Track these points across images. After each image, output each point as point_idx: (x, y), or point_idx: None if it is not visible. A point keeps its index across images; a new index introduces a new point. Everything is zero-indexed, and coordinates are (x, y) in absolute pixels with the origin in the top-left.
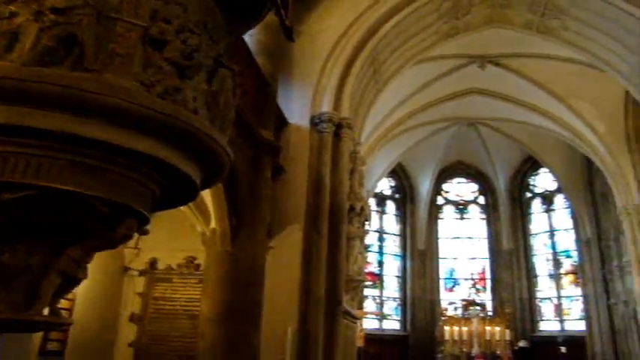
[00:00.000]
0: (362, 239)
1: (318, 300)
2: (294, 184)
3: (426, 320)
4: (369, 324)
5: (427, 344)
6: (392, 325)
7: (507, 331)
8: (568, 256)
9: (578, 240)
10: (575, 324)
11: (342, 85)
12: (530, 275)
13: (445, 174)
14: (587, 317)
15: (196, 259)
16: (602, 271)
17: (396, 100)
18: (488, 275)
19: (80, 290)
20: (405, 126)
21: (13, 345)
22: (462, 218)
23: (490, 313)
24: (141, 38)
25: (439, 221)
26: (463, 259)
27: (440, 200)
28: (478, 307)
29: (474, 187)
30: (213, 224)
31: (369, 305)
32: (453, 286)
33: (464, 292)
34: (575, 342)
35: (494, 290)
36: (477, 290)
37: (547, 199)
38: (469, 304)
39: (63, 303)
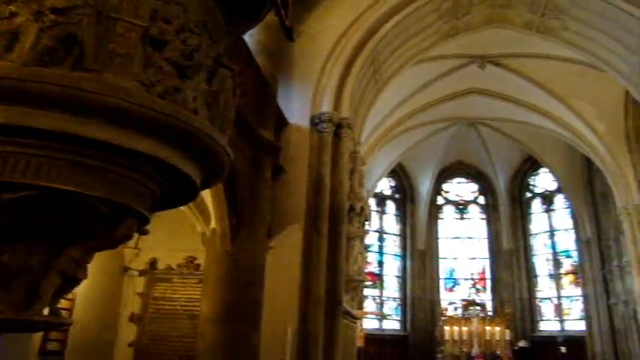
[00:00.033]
0: (362, 239)
1: (318, 300)
2: (294, 184)
3: (426, 320)
4: (369, 324)
5: (427, 344)
6: (392, 325)
7: (507, 331)
8: (568, 256)
9: (578, 240)
10: (575, 324)
11: (342, 85)
12: (530, 275)
13: (445, 174)
14: (587, 317)
15: (196, 259)
16: (602, 271)
17: (396, 100)
18: (488, 275)
19: (80, 290)
20: (405, 126)
21: (13, 345)
22: (462, 218)
23: (490, 313)
24: (141, 38)
25: (439, 221)
26: (463, 259)
27: (440, 200)
28: (478, 307)
29: (474, 187)
30: (213, 224)
31: (369, 305)
32: (453, 286)
33: (464, 292)
34: (575, 342)
35: (494, 290)
36: (477, 290)
37: (547, 199)
38: (469, 304)
39: (63, 303)
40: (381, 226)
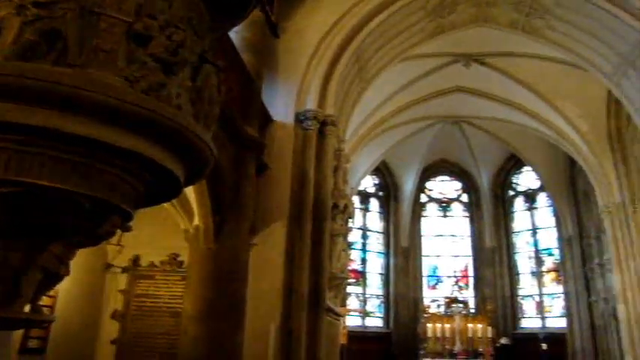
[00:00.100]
0: (345, 236)
1: (301, 297)
2: (278, 181)
3: (409, 317)
4: (352, 321)
5: (410, 341)
6: (375, 322)
7: (489, 329)
8: (550, 254)
9: (560, 238)
10: (556, 321)
11: (327, 83)
12: (513, 273)
13: (429, 172)
14: (567, 314)
15: (179, 256)
16: (583, 269)
17: (381, 98)
18: (470, 273)
19: (62, 287)
20: (389, 124)
21: None
22: (445, 216)
23: (472, 311)
24: (125, 34)
25: (422, 219)
26: (446, 256)
27: (423, 198)
28: (460, 305)
29: (458, 185)
30: (196, 221)
31: (352, 302)
32: (436, 284)
33: (447, 289)
34: (555, 339)
35: (476, 288)
36: (460, 288)
37: (530, 197)
38: (452, 301)
39: (44, 300)
40: (365, 224)
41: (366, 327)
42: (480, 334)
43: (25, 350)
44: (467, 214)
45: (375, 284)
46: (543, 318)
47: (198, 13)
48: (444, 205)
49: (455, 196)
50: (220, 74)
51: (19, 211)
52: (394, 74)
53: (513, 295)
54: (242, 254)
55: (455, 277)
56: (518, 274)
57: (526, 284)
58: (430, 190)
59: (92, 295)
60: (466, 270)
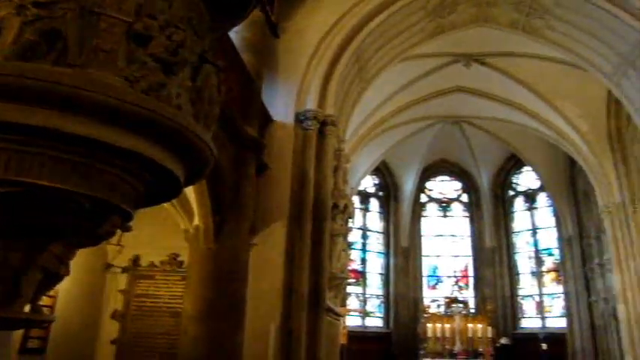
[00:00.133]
0: (345, 236)
1: (301, 297)
2: (278, 181)
3: (408, 317)
4: (352, 321)
5: (410, 341)
6: (375, 322)
7: (489, 329)
8: (550, 254)
9: (560, 238)
10: (556, 321)
11: (327, 83)
12: (513, 273)
13: (429, 172)
14: (567, 314)
15: (179, 256)
16: (583, 268)
17: (381, 98)
18: (470, 273)
19: (62, 287)
20: (389, 124)
21: None
22: (445, 216)
23: (472, 311)
24: (125, 34)
25: (422, 219)
26: (446, 256)
27: (423, 198)
28: (460, 305)
29: (458, 185)
30: (196, 221)
31: (352, 302)
32: (436, 284)
33: (446, 289)
34: (555, 339)
35: (476, 288)
36: (460, 288)
37: (530, 197)
38: (451, 301)
39: (44, 300)
40: (365, 224)
41: (366, 327)
42: (479, 334)
43: (25, 350)
44: (467, 214)
45: (375, 284)
46: (543, 318)
47: (198, 13)
48: (444, 205)
49: (455, 196)
50: (220, 74)
51: (19, 211)
52: (394, 74)
53: (513, 295)
54: (242, 254)
55: (455, 277)
56: (518, 274)
57: (526, 284)
58: (430, 190)
59: (92, 295)
60: (466, 270)
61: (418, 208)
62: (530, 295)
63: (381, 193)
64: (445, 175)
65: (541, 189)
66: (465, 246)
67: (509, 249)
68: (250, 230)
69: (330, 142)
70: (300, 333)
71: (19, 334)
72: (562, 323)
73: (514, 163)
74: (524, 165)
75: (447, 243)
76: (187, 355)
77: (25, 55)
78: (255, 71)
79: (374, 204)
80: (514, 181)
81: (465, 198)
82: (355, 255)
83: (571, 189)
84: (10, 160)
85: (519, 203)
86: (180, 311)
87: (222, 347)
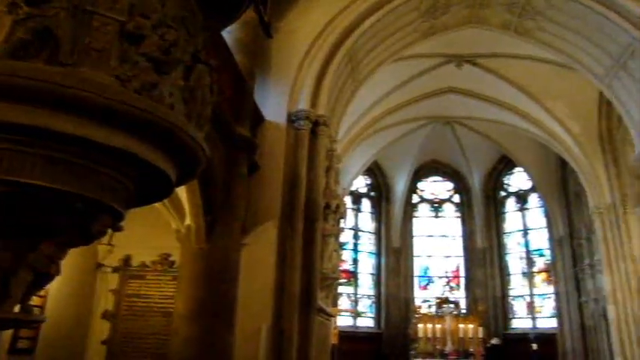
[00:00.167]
0: (337, 237)
1: (293, 297)
2: (269, 181)
3: (400, 318)
4: (344, 321)
5: (401, 342)
6: (366, 322)
7: (480, 329)
8: (541, 255)
9: (551, 239)
10: (547, 321)
11: (320, 83)
12: (504, 273)
13: (421, 172)
14: (558, 315)
15: (171, 255)
16: (573, 269)
17: (373, 98)
18: (462, 273)
19: (52, 287)
20: (381, 124)
21: None
22: (436, 216)
23: (463, 311)
24: (118, 33)
25: (414, 219)
26: (437, 257)
27: (415, 198)
28: (452, 305)
29: (449, 185)
30: (187, 221)
31: (344, 302)
32: (427, 284)
33: (438, 289)
34: (546, 339)
35: (467, 288)
36: (451, 288)
37: (521, 198)
38: (443, 301)
39: (34, 300)
40: (357, 224)
41: (357, 327)
42: (470, 335)
43: (14, 350)
44: (458, 214)
45: (366, 284)
46: (534, 318)
47: (191, 12)
48: (436, 205)
49: (446, 196)
50: (213, 74)
51: (9, 210)
52: (386, 75)
53: (504, 295)
54: (233, 254)
55: (446, 277)
56: (509, 274)
57: (517, 285)
58: (422, 190)
59: (83, 295)
60: (457, 270)
61: (410, 209)
62: (521, 296)
63: (372, 194)
64: (437, 175)
65: (532, 190)
66: (457, 246)
67: (501, 249)
68: (242, 230)
69: (322, 143)
70: (292, 333)
71: (8, 334)
72: (552, 324)
73: (505, 164)
74: (516, 166)
75: (438, 243)
76: (178, 355)
77: (17, 53)
78: (247, 71)
79: (366, 204)
80: (505, 181)
81: (456, 198)
82: (347, 255)
83: (562, 190)
84: (2, 160)
85: (511, 204)
86: (172, 311)
87: (214, 347)
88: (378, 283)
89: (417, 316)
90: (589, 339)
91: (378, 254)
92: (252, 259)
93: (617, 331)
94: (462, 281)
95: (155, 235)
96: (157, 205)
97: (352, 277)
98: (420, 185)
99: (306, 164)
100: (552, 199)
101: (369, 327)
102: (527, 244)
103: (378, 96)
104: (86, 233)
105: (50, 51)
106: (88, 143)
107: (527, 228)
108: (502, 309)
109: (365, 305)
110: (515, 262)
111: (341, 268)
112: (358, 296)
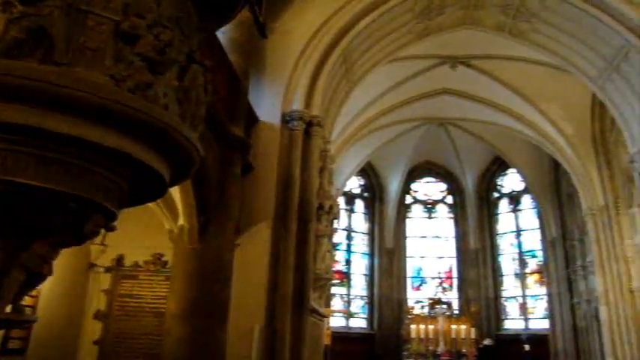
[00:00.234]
0: (330, 237)
1: (286, 297)
2: (263, 182)
3: (392, 318)
4: (336, 322)
5: (394, 342)
6: (359, 323)
7: (473, 330)
8: (533, 256)
9: (543, 240)
10: (539, 322)
11: (314, 83)
12: (497, 274)
13: (414, 173)
14: (550, 316)
15: (164, 255)
16: (566, 270)
17: (367, 99)
18: (455, 274)
19: (45, 287)
20: (375, 125)
21: None
22: (429, 217)
23: (456, 312)
24: (112, 32)
25: (407, 220)
26: (430, 257)
27: (408, 199)
28: (444, 306)
29: (443, 186)
30: (181, 221)
31: (337, 303)
32: (420, 285)
33: (431, 290)
34: (538, 340)
35: (460, 289)
36: (444, 289)
37: (514, 199)
38: (435, 302)
39: (26, 300)
40: (350, 225)
41: (350, 328)
42: (463, 335)
43: (5, 351)
44: (451, 215)
45: (359, 285)
46: (526, 319)
47: (186, 12)
48: (429, 206)
49: (440, 197)
50: (207, 74)
51: (5, 210)
52: (381, 76)
53: (497, 296)
54: (227, 254)
55: (439, 278)
56: (502, 275)
57: (510, 286)
58: (415, 191)
59: (75, 295)
60: (450, 271)
61: (403, 210)
62: (514, 297)
63: (366, 194)
64: (430, 176)
65: (525, 191)
66: (450, 247)
67: (494, 250)
68: (235, 230)
69: (315, 143)
70: (284, 333)
71: None
72: (545, 324)
73: (499, 165)
74: (509, 167)
75: (431, 244)
76: (171, 355)
77: (11, 52)
78: (242, 71)
79: (359, 205)
80: (499, 183)
81: (449, 200)
82: (340, 256)
83: (555, 191)
84: None
85: (504, 205)
86: (164, 311)
87: (206, 347)
88: (371, 284)
89: (409, 316)
90: (581, 340)
91: (371, 255)
92: (246, 259)
93: (609, 332)
94: (455, 282)
95: (148, 235)
96: (150, 205)
97: (345, 277)
98: (414, 186)
99: (300, 165)
100: (545, 200)
101: (361, 328)
102: (519, 245)
103: (372, 97)
104: (79, 233)
105: (44, 50)
106: (82, 143)
107: (520, 229)
108: (495, 310)
109: (358, 306)
110: (507, 263)
111: (334, 269)
112: (351, 297)
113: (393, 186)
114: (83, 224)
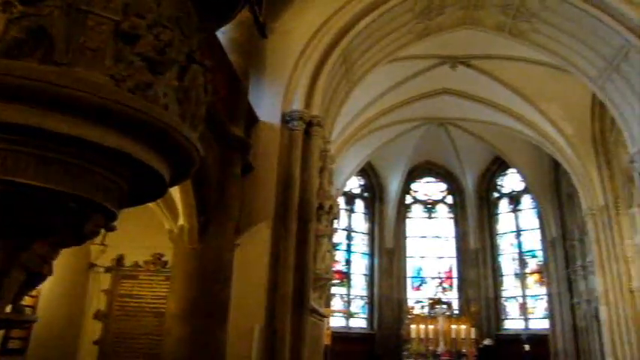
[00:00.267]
0: (330, 237)
1: (286, 297)
2: (263, 182)
3: (392, 318)
4: (336, 322)
5: (394, 342)
6: (359, 323)
7: (473, 330)
8: (533, 256)
9: (543, 240)
10: (539, 322)
11: (314, 83)
12: (497, 274)
13: (414, 173)
14: (550, 316)
15: (164, 255)
16: (566, 270)
17: (367, 99)
18: (454, 274)
19: (45, 287)
20: (375, 125)
21: None
22: (429, 217)
23: (456, 312)
24: (112, 32)
25: (407, 220)
26: (430, 257)
27: (408, 199)
28: (444, 306)
29: (443, 186)
30: (181, 221)
31: (337, 303)
32: (420, 285)
33: (431, 290)
34: (538, 340)
35: (460, 289)
36: (444, 289)
37: (514, 199)
38: (435, 302)
39: (26, 300)
40: (350, 225)
41: (350, 328)
42: (463, 335)
43: (5, 351)
44: (451, 215)
45: (359, 285)
46: (526, 319)
47: (186, 12)
48: (429, 206)
49: (440, 197)
50: (207, 74)
51: (5, 210)
52: (381, 76)
53: (497, 296)
54: (227, 254)
55: (439, 278)
56: (502, 275)
57: (509, 286)
58: (415, 191)
59: (75, 295)
60: (450, 271)
61: (403, 210)
62: (514, 297)
63: (366, 194)
64: (430, 176)
65: (525, 191)
66: (450, 247)
67: (494, 250)
68: (235, 230)
69: (315, 143)
70: (284, 333)
71: None
72: (545, 324)
73: (499, 165)
74: (509, 167)
75: (431, 244)
76: (171, 355)
77: (11, 52)
78: (242, 71)
79: (359, 205)
80: (499, 183)
81: (449, 199)
82: (340, 256)
83: (555, 191)
84: None
85: (504, 205)
86: (164, 311)
87: (206, 347)
88: (371, 284)
89: (409, 316)
90: (581, 340)
91: (371, 255)
92: (246, 259)
93: (609, 332)
94: (455, 282)
95: (148, 235)
96: (150, 205)
97: (345, 277)
98: (414, 186)
99: (300, 165)
100: (545, 200)
101: (361, 328)
102: (519, 245)
103: (372, 97)
104: (79, 233)
105: (44, 50)
106: (83, 143)
107: (520, 229)
108: (495, 310)
109: (358, 306)
110: (507, 263)
111: (334, 269)
112: (351, 297)
113: (393, 186)
114: (83, 224)
